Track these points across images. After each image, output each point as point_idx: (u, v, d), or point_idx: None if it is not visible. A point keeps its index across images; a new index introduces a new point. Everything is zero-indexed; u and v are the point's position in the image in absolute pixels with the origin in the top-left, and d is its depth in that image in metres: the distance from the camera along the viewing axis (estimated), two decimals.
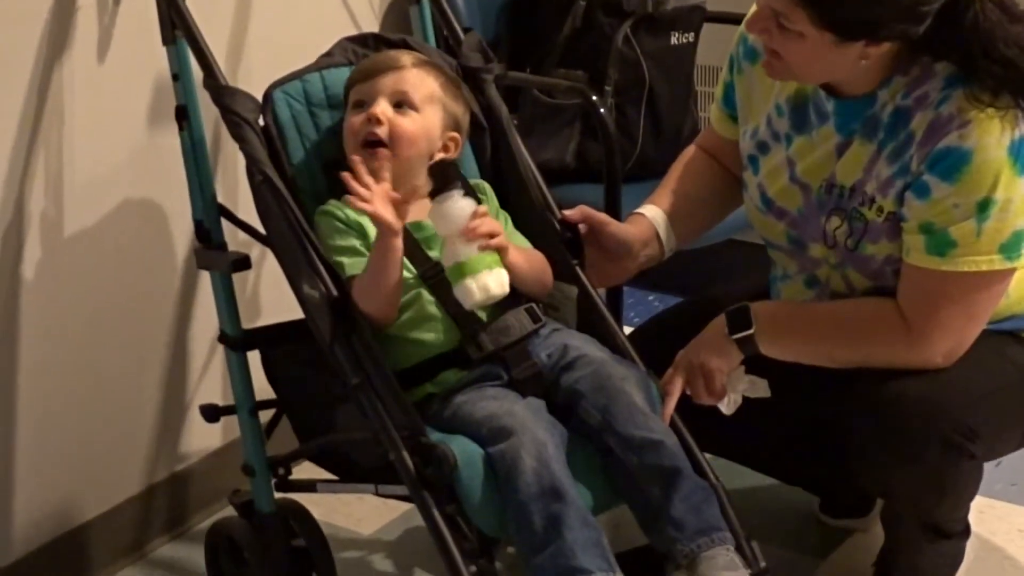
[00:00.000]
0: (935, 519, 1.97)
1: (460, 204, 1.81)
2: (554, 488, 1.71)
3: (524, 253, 1.94)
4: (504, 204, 2.03)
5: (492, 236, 1.81)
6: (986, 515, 2.36)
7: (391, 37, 2.08)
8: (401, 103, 1.93)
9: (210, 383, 2.46)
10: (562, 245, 2.00)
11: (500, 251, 1.83)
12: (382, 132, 1.91)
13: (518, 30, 2.56)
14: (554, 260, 1.98)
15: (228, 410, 2.09)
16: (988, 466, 2.38)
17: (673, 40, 2.52)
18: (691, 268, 3.21)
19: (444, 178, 1.82)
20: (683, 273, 3.23)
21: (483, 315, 1.87)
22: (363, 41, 2.07)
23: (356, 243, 1.88)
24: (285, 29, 2.44)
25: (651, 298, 3.29)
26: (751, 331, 1.91)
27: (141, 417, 2.38)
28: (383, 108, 1.92)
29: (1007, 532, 2.35)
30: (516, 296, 1.90)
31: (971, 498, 1.99)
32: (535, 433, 1.74)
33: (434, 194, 1.81)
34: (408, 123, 1.92)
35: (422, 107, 1.94)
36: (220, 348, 2.10)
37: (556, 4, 2.52)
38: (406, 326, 1.87)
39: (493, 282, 1.81)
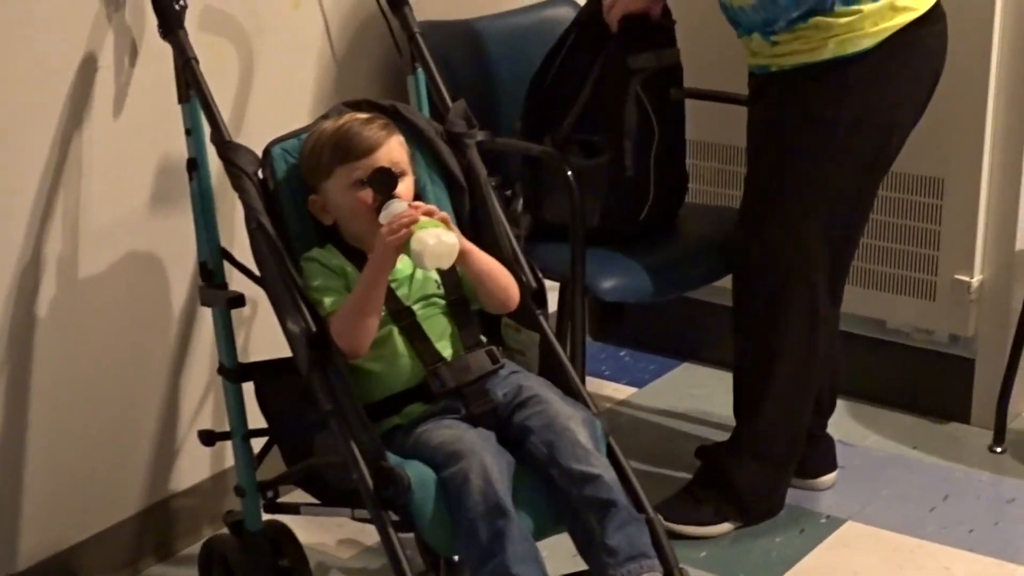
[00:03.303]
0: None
1: (402, 204, 1.99)
2: (498, 505, 1.87)
3: (482, 253, 2.08)
4: None
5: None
6: (916, 554, 2.54)
7: (383, 103, 2.22)
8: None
9: (205, 413, 2.58)
10: (529, 297, 2.14)
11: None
12: None
13: (539, 101, 2.69)
14: (520, 310, 2.13)
15: (223, 436, 2.23)
16: (922, 510, 2.57)
17: (672, 94, 2.66)
18: (663, 326, 3.33)
19: (385, 188, 2.01)
20: (655, 330, 3.35)
21: (447, 354, 2.04)
22: (357, 105, 2.20)
23: (337, 285, 2.05)
24: (286, 92, 2.59)
25: (622, 353, 3.40)
26: None
27: (139, 445, 2.50)
28: None
29: (934, 570, 2.51)
30: (476, 338, 2.08)
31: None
32: (482, 457, 1.90)
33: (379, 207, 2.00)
34: (405, 188, 2.08)
35: (407, 168, 2.11)
36: (215, 381, 2.22)
37: (571, 75, 2.65)
38: (376, 361, 2.04)
39: (445, 234, 1.93)
